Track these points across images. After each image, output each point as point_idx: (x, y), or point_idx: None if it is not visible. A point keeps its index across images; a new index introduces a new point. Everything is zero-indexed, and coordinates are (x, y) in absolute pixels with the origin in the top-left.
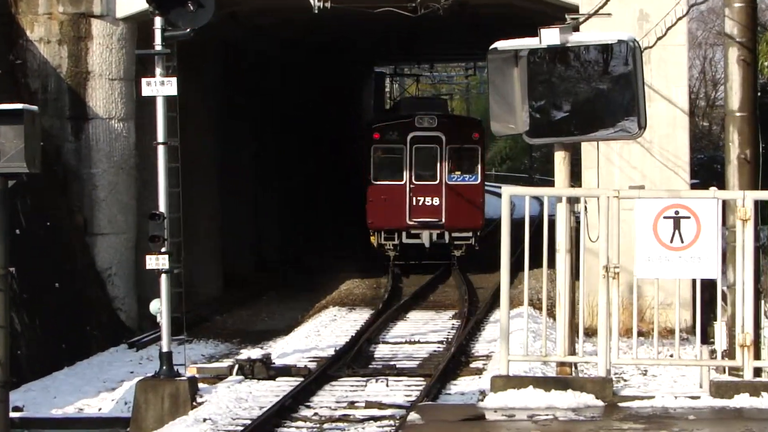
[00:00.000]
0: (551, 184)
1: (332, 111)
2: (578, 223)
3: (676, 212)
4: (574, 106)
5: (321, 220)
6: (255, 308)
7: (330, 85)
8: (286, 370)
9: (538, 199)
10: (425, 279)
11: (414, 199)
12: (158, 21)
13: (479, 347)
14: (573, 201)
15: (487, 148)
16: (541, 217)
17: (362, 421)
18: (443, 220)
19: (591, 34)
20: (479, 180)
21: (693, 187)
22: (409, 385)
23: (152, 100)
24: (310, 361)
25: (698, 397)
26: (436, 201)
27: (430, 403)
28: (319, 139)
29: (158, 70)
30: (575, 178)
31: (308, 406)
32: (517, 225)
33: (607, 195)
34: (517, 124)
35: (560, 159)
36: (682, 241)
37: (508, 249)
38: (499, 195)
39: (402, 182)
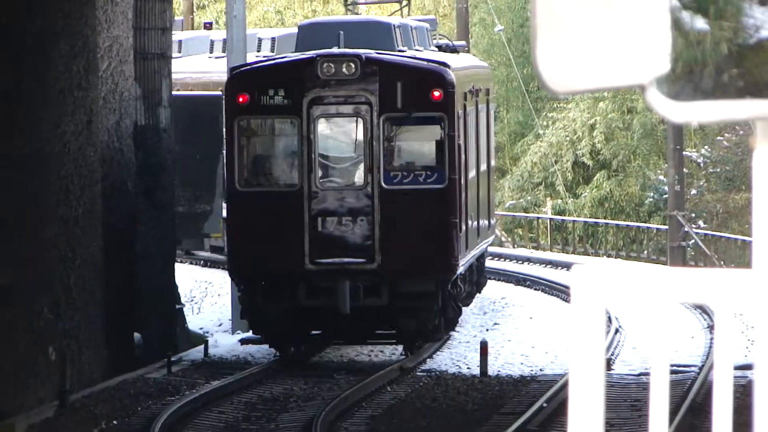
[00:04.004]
0: (740, 259)
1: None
2: None
3: None
4: None
5: None
6: None
7: None
8: None
9: (704, 313)
10: None
11: (319, 220)
12: None
13: None
14: None
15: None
16: (707, 367)
17: None
18: (376, 260)
19: None
20: (447, 181)
21: None
22: None
23: None
24: None
25: None
26: (361, 223)
27: None
28: None
29: None
30: None
31: None
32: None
33: None
34: (629, 53)
35: None
36: None
37: None
38: (557, 289)
39: (295, 187)
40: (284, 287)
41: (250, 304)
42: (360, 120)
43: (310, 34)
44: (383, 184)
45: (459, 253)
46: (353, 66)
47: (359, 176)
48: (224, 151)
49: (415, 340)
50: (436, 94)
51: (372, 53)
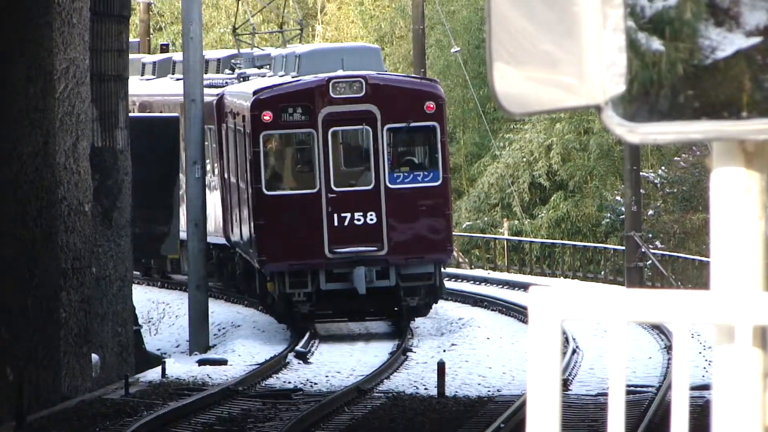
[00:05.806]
0: (697, 279)
1: None
2: None
3: None
4: None
5: None
6: None
7: None
8: None
9: (662, 333)
10: None
11: (335, 216)
12: None
13: None
14: None
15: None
16: (665, 387)
17: None
18: (384, 248)
19: None
20: (441, 179)
21: None
22: None
23: None
24: None
25: None
26: (371, 217)
27: None
28: None
29: None
30: None
31: None
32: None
33: None
34: (585, 74)
35: (736, 193)
36: None
37: None
38: (515, 310)
39: (314, 190)
40: (308, 274)
41: (280, 291)
42: (366, 130)
43: (312, 59)
44: (388, 184)
45: (451, 238)
46: (359, 86)
47: (368, 178)
48: (251, 160)
49: (414, 316)
50: (431, 106)
51: (374, 74)
